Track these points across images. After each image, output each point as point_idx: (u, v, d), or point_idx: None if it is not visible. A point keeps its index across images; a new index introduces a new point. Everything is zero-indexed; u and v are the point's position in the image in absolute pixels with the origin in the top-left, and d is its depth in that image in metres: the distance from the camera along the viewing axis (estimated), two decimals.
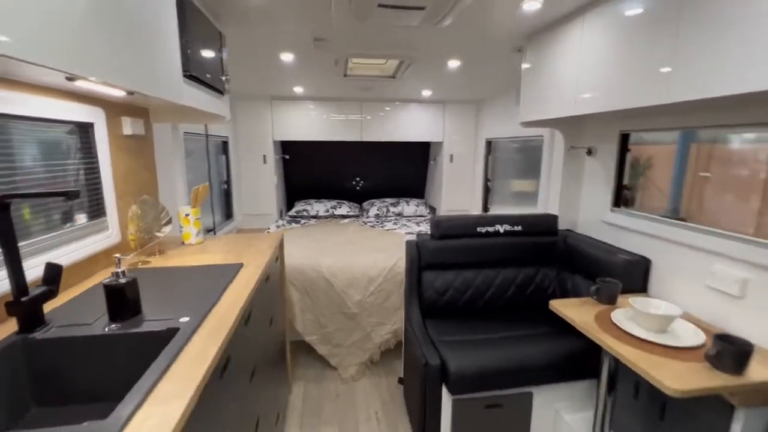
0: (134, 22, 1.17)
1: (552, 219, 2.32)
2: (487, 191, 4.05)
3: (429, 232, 2.31)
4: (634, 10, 1.48)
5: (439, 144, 4.32)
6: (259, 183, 4.02)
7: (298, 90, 3.63)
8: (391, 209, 4.44)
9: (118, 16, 1.09)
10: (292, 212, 4.32)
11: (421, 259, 2.22)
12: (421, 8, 1.68)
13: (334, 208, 4.38)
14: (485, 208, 4.08)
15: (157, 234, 1.68)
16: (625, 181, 2.08)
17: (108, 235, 1.52)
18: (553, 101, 2.07)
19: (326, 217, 4.31)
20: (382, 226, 3.89)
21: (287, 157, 4.50)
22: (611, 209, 2.11)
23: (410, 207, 4.48)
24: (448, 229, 2.25)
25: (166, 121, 1.96)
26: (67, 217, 1.36)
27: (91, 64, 0.96)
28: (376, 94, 3.79)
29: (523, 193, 3.56)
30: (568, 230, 2.38)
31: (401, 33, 2.21)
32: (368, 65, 3.05)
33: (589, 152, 2.29)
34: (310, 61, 2.71)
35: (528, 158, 3.40)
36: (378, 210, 4.42)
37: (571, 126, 2.39)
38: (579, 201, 2.43)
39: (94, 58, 0.97)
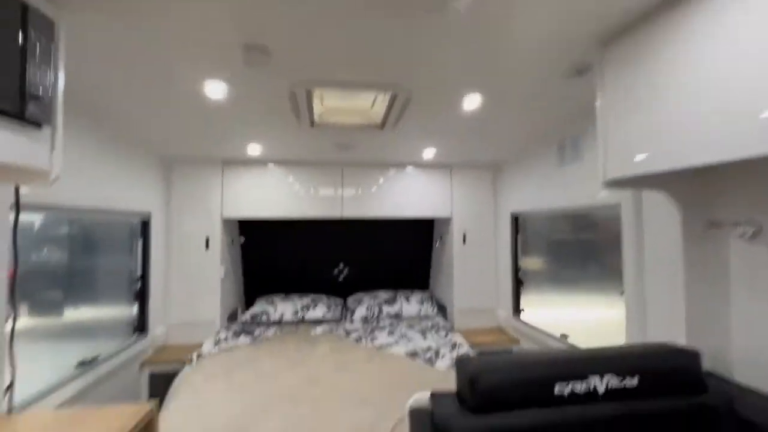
0: None
1: (688, 358, 1.17)
2: (518, 284, 2.89)
3: (456, 394, 1.14)
4: None
5: (446, 221, 3.27)
6: (198, 277, 2.85)
7: (254, 151, 2.66)
8: (386, 308, 3.23)
9: None
10: (246, 317, 3.09)
11: None
12: None
13: (306, 308, 3.16)
14: (516, 308, 2.88)
15: None
16: None
17: None
18: (676, 141, 1.06)
19: (294, 323, 3.06)
20: (371, 340, 2.65)
21: (243, 239, 3.41)
22: None
23: (411, 305, 3.27)
24: (496, 392, 1.09)
25: None
26: None
27: None
28: (361, 155, 2.84)
29: (572, 285, 2.40)
30: (714, 375, 1.22)
31: (393, 43, 1.28)
32: (344, 109, 2.11)
33: (754, 234, 1.21)
34: (256, 98, 1.75)
35: (584, 238, 2.32)
36: (367, 310, 3.20)
37: (699, 185, 1.35)
38: (728, 319, 1.30)
39: None
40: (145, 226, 2.55)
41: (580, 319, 2.28)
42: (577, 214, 2.29)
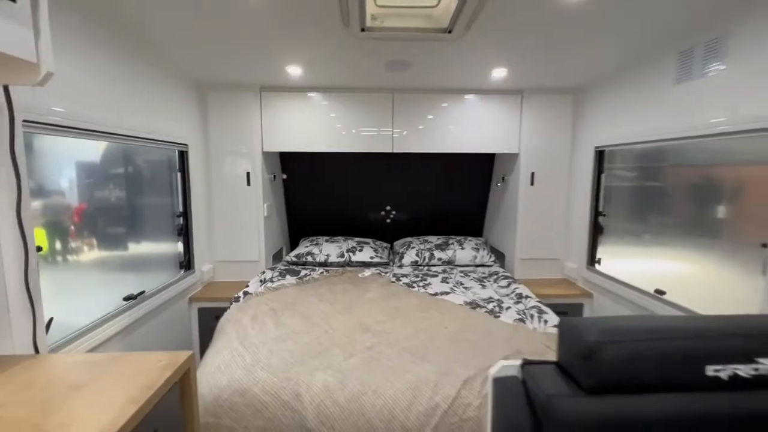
0: None
1: None
2: (596, 231, 2.48)
3: (558, 362, 0.88)
4: None
5: (512, 157, 2.83)
6: (240, 215, 2.71)
7: (294, 72, 2.33)
8: (437, 254, 2.97)
9: None
10: (292, 256, 2.96)
11: None
12: None
13: (352, 251, 2.98)
14: (592, 259, 2.51)
15: None
16: None
17: None
18: None
19: (340, 265, 2.90)
20: (423, 287, 2.42)
21: (285, 176, 3.19)
22: None
23: (466, 252, 2.98)
24: (626, 370, 0.79)
25: None
26: None
27: None
28: (416, 78, 2.42)
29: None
30: None
31: None
32: (402, 11, 1.69)
33: None
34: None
35: (695, 180, 1.84)
36: (417, 255, 2.96)
37: None
38: None
39: None
40: (182, 158, 2.37)
41: (681, 274, 1.89)
42: (687, 149, 1.80)
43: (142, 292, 1.95)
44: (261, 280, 2.52)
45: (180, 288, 2.32)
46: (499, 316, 1.97)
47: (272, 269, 2.73)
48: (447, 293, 2.30)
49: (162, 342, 2.11)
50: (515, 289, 2.35)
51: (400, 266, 2.92)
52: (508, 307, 2.07)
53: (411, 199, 3.33)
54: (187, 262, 2.45)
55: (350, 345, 1.66)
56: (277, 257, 3.10)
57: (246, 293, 2.30)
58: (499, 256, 3.06)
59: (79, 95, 1.47)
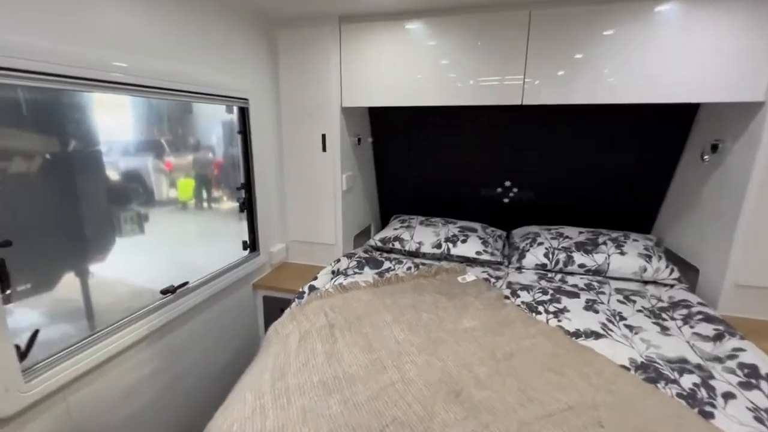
0: None
1: None
2: None
3: None
4: None
5: (742, 112, 1.63)
6: (314, 187, 2.19)
7: None
8: (578, 258, 2.02)
9: None
10: (377, 240, 2.36)
11: None
12: None
13: (453, 240, 2.23)
14: None
15: None
16: None
17: None
18: None
19: (435, 258, 2.21)
20: (555, 314, 1.57)
21: (371, 140, 2.54)
22: None
23: (628, 258, 1.95)
24: None
25: None
26: None
27: None
28: None
29: None
30: None
31: None
32: None
33: None
34: None
35: None
36: (546, 256, 2.06)
37: None
38: None
39: None
40: (243, 117, 1.91)
41: None
42: None
43: (185, 284, 1.60)
44: (333, 271, 2.01)
45: (244, 272, 1.96)
46: (712, 416, 1.05)
47: (350, 256, 2.18)
48: (597, 335, 1.42)
49: (226, 333, 1.84)
50: (735, 348, 1.32)
51: (519, 269, 2.08)
52: (730, 395, 1.11)
53: (543, 171, 2.37)
54: (252, 243, 2.07)
55: (425, 423, 1.00)
56: (364, 236, 2.55)
57: (312, 287, 1.81)
58: (684, 270, 1.94)
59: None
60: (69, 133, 1.24)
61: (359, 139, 2.33)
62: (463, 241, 2.22)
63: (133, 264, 1.50)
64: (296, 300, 1.75)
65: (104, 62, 1.20)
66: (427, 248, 2.23)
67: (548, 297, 1.71)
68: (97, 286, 1.37)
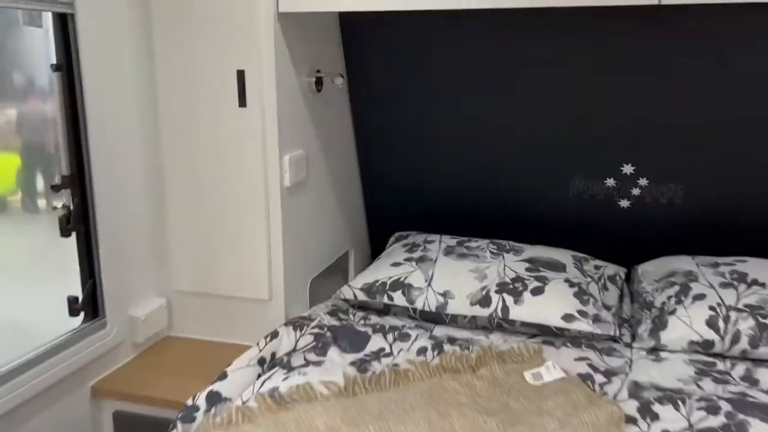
0: None
1: None
2: None
3: None
4: None
5: None
6: (223, 185, 1.09)
7: None
8: None
9: None
10: (356, 289, 1.20)
11: None
12: None
13: (515, 289, 1.07)
14: None
15: None
16: None
17: None
18: None
19: (478, 328, 1.06)
20: None
21: (342, 82, 1.36)
22: None
23: None
24: None
25: None
26: None
27: None
28: None
29: None
30: None
31: None
32: None
33: None
34: None
35: None
36: (711, 322, 0.88)
37: None
38: None
39: None
40: (65, 34, 0.89)
41: None
42: None
43: None
44: (262, 360, 0.97)
45: (73, 362, 0.94)
46: None
47: (300, 325, 1.08)
48: None
49: None
50: None
51: (655, 352, 0.93)
52: None
53: (706, 148, 1.15)
54: (89, 300, 1.01)
55: None
56: (333, 278, 1.41)
57: (217, 397, 0.85)
58: None
59: None
60: None
61: (319, 81, 1.21)
62: (537, 291, 1.07)
63: None
64: (179, 424, 0.81)
65: None
66: (459, 305, 1.11)
67: (721, 420, 0.75)
68: None
